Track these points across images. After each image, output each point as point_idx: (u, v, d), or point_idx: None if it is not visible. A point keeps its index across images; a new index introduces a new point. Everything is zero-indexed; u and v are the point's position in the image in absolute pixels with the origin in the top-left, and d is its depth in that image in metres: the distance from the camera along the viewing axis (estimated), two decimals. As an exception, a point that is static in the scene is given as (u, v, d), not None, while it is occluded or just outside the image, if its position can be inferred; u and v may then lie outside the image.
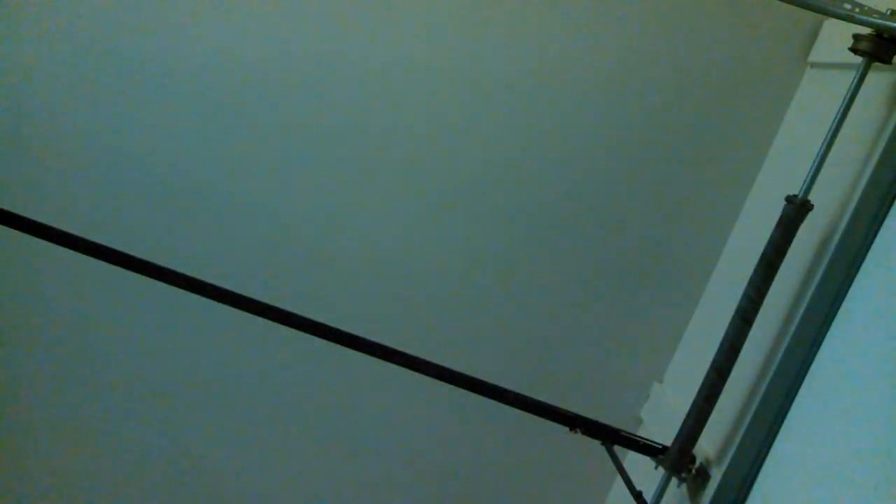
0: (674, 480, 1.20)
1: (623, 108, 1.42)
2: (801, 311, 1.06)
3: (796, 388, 1.06)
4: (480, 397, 1.24)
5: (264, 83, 1.43)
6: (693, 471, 1.20)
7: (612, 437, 1.26)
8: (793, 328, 1.07)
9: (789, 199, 1.06)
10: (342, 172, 1.48)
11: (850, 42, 1.03)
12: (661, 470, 1.21)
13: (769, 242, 1.07)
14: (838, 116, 1.04)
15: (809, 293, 1.05)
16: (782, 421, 1.07)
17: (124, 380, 1.63)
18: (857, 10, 0.97)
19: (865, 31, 1.00)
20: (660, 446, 1.24)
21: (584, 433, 1.25)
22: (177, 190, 1.50)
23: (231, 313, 1.24)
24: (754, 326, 1.09)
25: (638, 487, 1.22)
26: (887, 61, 1.00)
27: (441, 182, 1.47)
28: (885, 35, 0.98)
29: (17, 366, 1.64)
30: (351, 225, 1.50)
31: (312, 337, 1.23)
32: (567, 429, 1.26)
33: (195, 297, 1.23)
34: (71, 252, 1.21)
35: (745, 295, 1.09)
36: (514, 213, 1.48)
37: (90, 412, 1.66)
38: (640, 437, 1.26)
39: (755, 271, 1.08)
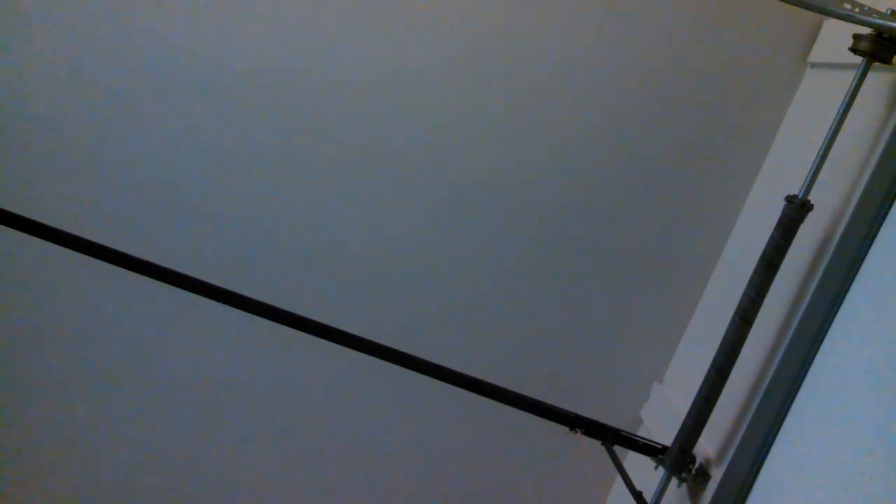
0: (674, 480, 1.20)
1: (623, 108, 1.42)
2: (801, 311, 1.06)
3: (796, 388, 1.06)
4: (480, 397, 1.24)
5: (265, 84, 1.43)
6: (693, 471, 1.20)
7: (612, 437, 1.26)
8: (793, 328, 1.07)
9: (789, 199, 1.06)
10: (343, 173, 1.48)
11: (850, 42, 1.03)
12: (661, 470, 1.21)
13: (769, 242, 1.07)
14: (838, 116, 1.04)
15: (809, 293, 1.05)
16: (782, 421, 1.07)
17: (124, 380, 1.63)
18: (857, 10, 0.97)
19: (865, 31, 1.00)
20: (660, 446, 1.24)
21: (584, 433, 1.26)
22: (177, 190, 1.50)
23: (231, 313, 1.24)
24: (754, 326, 1.09)
25: (638, 487, 1.22)
26: (887, 61, 1.00)
27: (441, 184, 1.47)
28: (885, 35, 0.98)
29: (17, 366, 1.64)
30: (352, 225, 1.50)
31: (313, 337, 1.23)
32: (567, 429, 1.26)
33: (195, 296, 1.23)
34: (71, 252, 1.21)
35: (746, 295, 1.09)
36: (513, 214, 1.48)
37: (90, 412, 1.66)
38: (640, 437, 1.26)
39: (755, 271, 1.08)
